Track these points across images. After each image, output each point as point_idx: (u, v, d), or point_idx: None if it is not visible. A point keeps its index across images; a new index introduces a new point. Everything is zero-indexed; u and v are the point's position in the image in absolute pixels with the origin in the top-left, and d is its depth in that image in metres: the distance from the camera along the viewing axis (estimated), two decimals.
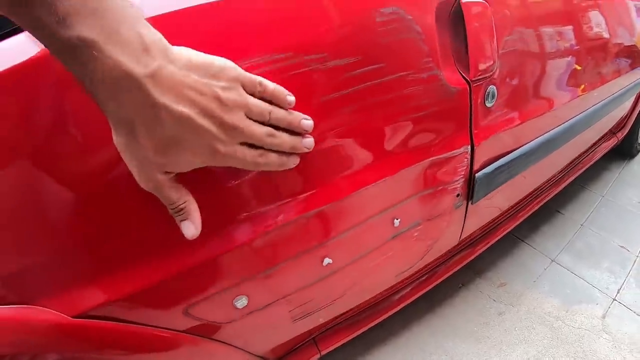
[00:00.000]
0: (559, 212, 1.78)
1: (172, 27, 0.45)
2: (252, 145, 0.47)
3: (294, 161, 0.54)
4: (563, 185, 1.53)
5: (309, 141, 0.54)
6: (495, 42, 0.77)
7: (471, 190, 0.87)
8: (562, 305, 1.35)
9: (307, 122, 0.52)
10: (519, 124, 0.89)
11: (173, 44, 0.40)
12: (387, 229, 0.75)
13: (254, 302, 0.65)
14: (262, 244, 0.59)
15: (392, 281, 0.95)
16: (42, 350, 0.50)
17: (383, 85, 0.62)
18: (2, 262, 0.46)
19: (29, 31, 0.32)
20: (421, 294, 1.09)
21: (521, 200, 1.32)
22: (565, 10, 1.04)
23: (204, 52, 0.43)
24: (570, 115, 1.13)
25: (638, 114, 1.88)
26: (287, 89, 0.49)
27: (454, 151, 0.76)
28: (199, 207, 0.49)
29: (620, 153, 2.11)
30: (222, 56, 0.44)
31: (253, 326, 0.70)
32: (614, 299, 1.37)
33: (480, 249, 1.22)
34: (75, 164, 0.45)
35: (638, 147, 2.12)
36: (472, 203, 0.89)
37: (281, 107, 0.50)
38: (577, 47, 1.08)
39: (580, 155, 1.58)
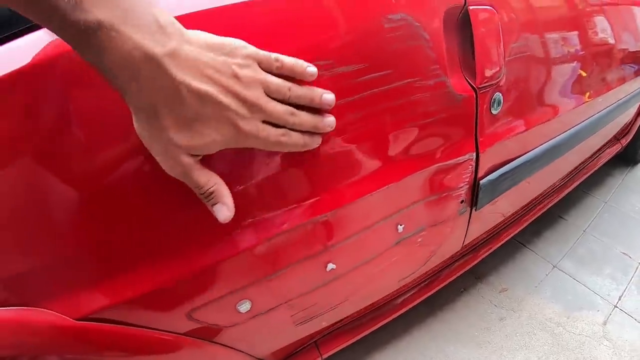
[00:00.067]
0: (561, 217, 1.78)
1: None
2: (274, 125, 0.47)
3: (317, 141, 0.54)
4: (567, 191, 1.53)
5: (331, 120, 0.53)
6: (502, 49, 0.77)
7: (475, 197, 0.87)
8: (564, 311, 1.35)
9: (329, 96, 0.51)
10: (524, 131, 0.89)
11: None
12: (391, 235, 0.75)
13: (257, 307, 0.65)
14: (266, 250, 0.59)
15: (394, 286, 0.95)
16: (44, 353, 0.51)
17: (389, 92, 0.62)
18: (5, 264, 0.46)
19: (43, 22, 0.33)
20: (423, 298, 1.09)
21: (525, 206, 1.32)
22: (571, 16, 1.03)
23: None
24: (575, 122, 1.13)
25: None
26: None
27: (459, 158, 0.76)
28: (205, 213, 0.49)
29: (624, 159, 2.10)
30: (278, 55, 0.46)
31: (255, 330, 0.71)
32: (615, 306, 1.37)
33: (483, 254, 1.22)
34: (80, 167, 0.45)
35: None
36: (475, 210, 0.89)
37: (302, 83, 0.49)
38: (583, 54, 1.07)
39: (584, 162, 1.58)
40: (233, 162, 0.52)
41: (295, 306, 0.71)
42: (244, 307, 0.63)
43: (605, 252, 1.60)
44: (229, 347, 0.70)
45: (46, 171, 0.44)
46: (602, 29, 1.18)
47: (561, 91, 1.01)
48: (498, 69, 0.77)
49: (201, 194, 0.47)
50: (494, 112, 0.79)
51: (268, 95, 0.45)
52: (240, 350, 0.73)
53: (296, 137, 0.50)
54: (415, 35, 0.63)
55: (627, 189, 1.98)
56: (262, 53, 0.45)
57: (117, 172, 0.47)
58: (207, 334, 0.65)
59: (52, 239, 0.47)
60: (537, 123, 0.93)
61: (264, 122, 0.46)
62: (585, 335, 1.27)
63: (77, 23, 0.32)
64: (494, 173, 0.87)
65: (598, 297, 1.41)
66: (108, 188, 0.47)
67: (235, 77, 0.42)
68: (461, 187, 0.82)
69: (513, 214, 1.27)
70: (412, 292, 1.07)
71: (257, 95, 0.44)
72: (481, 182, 0.85)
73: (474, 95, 0.73)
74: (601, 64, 1.19)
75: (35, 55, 0.42)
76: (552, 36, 0.94)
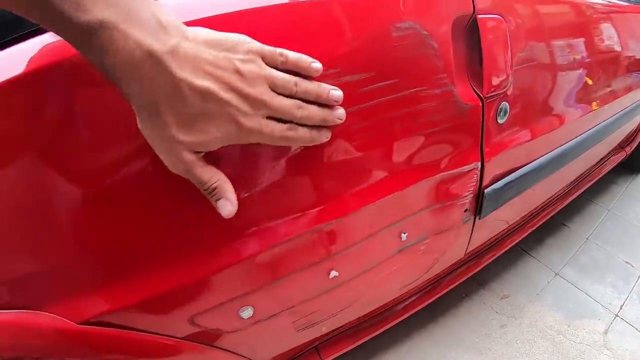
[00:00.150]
0: (564, 225, 1.77)
1: None
2: (280, 120, 0.47)
3: (326, 135, 0.53)
4: (570, 199, 1.52)
5: (341, 112, 0.52)
6: (509, 58, 0.77)
7: (479, 206, 0.86)
8: (565, 320, 1.35)
9: (337, 92, 0.51)
10: (530, 140, 0.89)
11: None
12: (394, 243, 0.75)
13: (259, 313, 0.65)
14: (269, 257, 0.59)
15: (397, 293, 0.95)
16: (45, 355, 0.50)
17: (395, 101, 0.62)
18: (8, 267, 0.46)
19: (45, 23, 0.33)
20: (425, 304, 1.09)
21: (528, 214, 1.31)
22: (578, 25, 1.03)
23: None
24: (581, 131, 1.13)
25: None
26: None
27: (464, 167, 0.76)
28: (210, 219, 0.49)
29: (629, 167, 2.10)
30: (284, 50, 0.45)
31: (257, 335, 0.71)
32: (617, 315, 1.37)
33: (486, 261, 1.22)
34: (84, 172, 0.45)
35: None
36: (479, 218, 0.89)
37: (307, 78, 0.49)
38: (589, 63, 1.07)
39: (588, 169, 1.57)
40: (238, 170, 0.52)
41: (297, 313, 0.71)
42: (246, 313, 0.63)
43: (607, 261, 1.60)
44: (229, 351, 0.70)
45: (51, 176, 0.44)
46: (609, 37, 1.18)
47: (567, 100, 1.01)
48: (505, 78, 0.76)
49: (204, 189, 0.47)
50: (500, 121, 0.79)
51: (274, 91, 0.45)
52: (241, 355, 0.73)
53: (303, 132, 0.49)
54: (423, 44, 0.63)
55: (630, 197, 1.98)
56: (266, 48, 0.45)
57: (121, 178, 0.47)
58: (209, 339, 0.65)
59: (56, 243, 0.47)
60: (543, 132, 0.93)
61: (269, 117, 0.45)
62: (586, 343, 1.27)
63: (79, 24, 0.32)
64: (498, 182, 0.87)
65: (599, 306, 1.40)
66: (112, 193, 0.47)
67: (238, 72, 0.42)
68: (465, 196, 0.81)
69: (516, 222, 1.27)
70: (413, 298, 1.07)
71: (261, 91, 0.43)
72: (485, 191, 0.85)
73: (481, 105, 0.73)
74: (607, 72, 1.19)
75: (40, 57, 0.42)
76: (559, 45, 0.94)
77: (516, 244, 1.33)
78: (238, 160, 0.51)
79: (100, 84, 0.42)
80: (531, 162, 0.95)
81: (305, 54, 0.51)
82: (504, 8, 0.76)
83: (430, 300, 1.10)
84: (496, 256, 1.25)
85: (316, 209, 0.60)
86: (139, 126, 0.41)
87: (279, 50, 0.46)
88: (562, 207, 1.49)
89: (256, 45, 0.44)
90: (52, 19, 0.32)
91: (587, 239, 1.71)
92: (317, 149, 0.56)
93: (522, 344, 1.27)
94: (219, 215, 0.52)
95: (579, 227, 1.77)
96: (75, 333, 0.50)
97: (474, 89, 0.72)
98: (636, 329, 1.32)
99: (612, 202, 1.94)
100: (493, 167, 0.83)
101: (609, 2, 1.21)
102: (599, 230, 1.76)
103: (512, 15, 0.78)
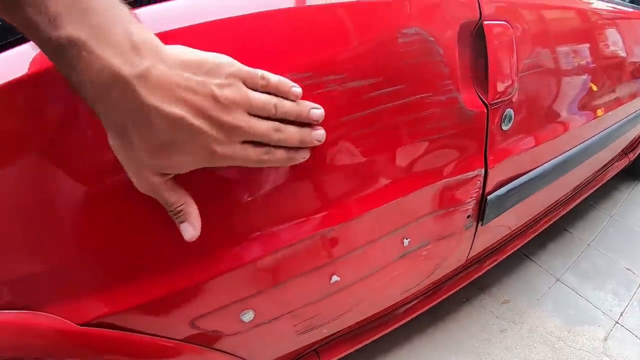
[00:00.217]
0: (566, 230, 1.77)
1: (190, 42, 0.44)
2: (257, 143, 0.45)
3: (303, 155, 0.51)
4: (573, 205, 1.52)
5: (320, 133, 0.51)
6: (515, 64, 0.77)
7: (482, 212, 0.86)
8: (565, 326, 1.35)
9: (317, 111, 0.49)
10: (534, 147, 0.89)
11: None
12: (396, 248, 0.75)
13: (260, 316, 0.65)
14: (271, 262, 0.59)
15: (398, 298, 0.95)
16: (45, 356, 0.51)
17: (400, 107, 0.62)
18: (10, 267, 0.46)
19: (24, 34, 0.32)
20: (426, 309, 1.09)
21: (531, 219, 1.31)
22: (584, 33, 1.03)
23: None
24: (585, 137, 1.13)
25: None
26: None
27: (468, 174, 0.76)
28: (213, 223, 0.49)
29: (632, 173, 2.09)
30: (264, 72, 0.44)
31: (257, 338, 0.70)
32: (617, 322, 1.37)
33: (488, 266, 1.22)
34: (86, 174, 0.45)
35: None
36: (482, 225, 0.89)
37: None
38: (594, 70, 1.07)
39: (592, 175, 1.57)
40: (241, 174, 0.52)
41: (297, 317, 0.71)
42: (247, 316, 0.63)
43: (609, 267, 1.59)
44: (229, 353, 0.70)
45: (54, 177, 0.44)
46: (614, 43, 1.17)
47: (572, 107, 1.01)
48: (511, 84, 0.76)
49: (170, 211, 0.46)
50: (504, 128, 0.79)
51: (251, 114, 0.43)
52: (240, 357, 0.73)
53: (279, 154, 0.48)
54: (429, 50, 0.63)
55: (633, 203, 1.98)
56: (248, 70, 0.43)
57: (123, 179, 0.46)
58: (208, 341, 0.65)
59: (58, 245, 0.47)
60: (548, 139, 0.93)
61: (245, 141, 0.44)
62: (586, 350, 1.27)
63: (50, 39, 0.31)
64: (501, 188, 0.87)
65: (600, 312, 1.40)
66: (114, 195, 0.47)
67: (214, 98, 0.40)
68: (468, 202, 0.81)
69: (519, 227, 1.27)
70: (414, 302, 1.07)
71: (237, 118, 0.41)
72: (489, 197, 0.84)
73: (485, 111, 0.73)
74: (612, 78, 1.19)
75: (42, 58, 0.42)
76: (564, 52, 0.94)
77: (518, 249, 1.33)
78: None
79: None
80: (535, 168, 0.95)
81: (312, 59, 0.52)
82: (511, 14, 0.76)
83: (431, 305, 1.10)
84: (498, 261, 1.25)
85: (319, 215, 0.60)
86: (110, 142, 0.40)
87: (260, 72, 0.44)
88: (564, 212, 1.49)
89: (237, 67, 0.42)
90: (28, 31, 0.31)
91: (588, 245, 1.70)
92: (321, 155, 0.56)
93: (522, 349, 1.27)
94: (222, 219, 0.52)
95: (581, 232, 1.77)
96: (76, 334, 0.50)
97: (479, 96, 0.72)
98: (636, 336, 1.32)
99: (615, 208, 1.93)
100: (496, 174, 0.83)
101: (614, 7, 1.21)
102: (601, 236, 1.75)
103: (519, 22, 0.78)
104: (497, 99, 0.74)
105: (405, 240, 0.74)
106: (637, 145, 1.83)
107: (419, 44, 0.61)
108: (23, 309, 0.48)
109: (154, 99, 0.36)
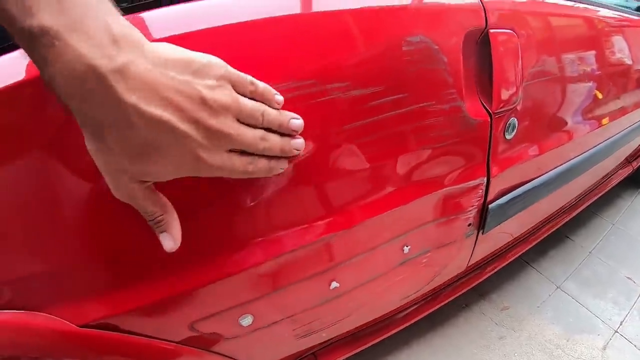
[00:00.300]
0: (568, 237, 1.77)
1: (194, 46, 0.44)
2: (241, 152, 0.42)
3: (282, 165, 0.48)
4: (576, 212, 1.52)
5: (299, 142, 0.48)
6: (520, 73, 0.76)
7: (483, 221, 0.86)
8: (564, 334, 1.35)
9: (297, 121, 0.47)
10: (537, 156, 0.89)
11: None
12: (396, 255, 0.75)
13: (258, 321, 0.65)
14: (272, 268, 0.59)
15: (397, 303, 0.95)
16: (44, 355, 0.51)
17: (404, 115, 0.62)
18: (12, 268, 0.46)
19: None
20: (425, 314, 1.09)
21: (533, 227, 1.31)
22: (590, 41, 1.03)
23: None
24: (589, 146, 1.13)
25: None
26: (307, 116, 0.48)
27: (470, 182, 0.76)
28: (215, 228, 0.49)
29: (635, 181, 2.08)
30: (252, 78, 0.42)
31: (255, 342, 0.71)
32: (616, 331, 1.37)
33: (488, 274, 1.22)
34: (89, 175, 0.45)
35: None
36: (483, 233, 0.89)
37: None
38: (600, 79, 1.07)
39: (595, 183, 1.56)
40: (243, 180, 0.51)
41: (296, 321, 0.71)
42: (246, 321, 0.64)
43: (610, 276, 1.59)
44: (227, 356, 0.70)
45: (56, 179, 0.44)
46: (619, 51, 1.17)
47: (577, 116, 1.00)
48: (515, 93, 0.76)
49: (149, 220, 0.43)
50: (508, 136, 0.79)
51: (238, 121, 0.40)
52: None
53: (262, 164, 0.45)
54: (433, 59, 0.63)
55: (636, 211, 1.97)
56: (238, 74, 0.40)
57: None
58: (207, 344, 0.65)
59: (60, 246, 0.47)
60: (551, 148, 0.93)
61: (230, 150, 0.41)
62: (584, 359, 1.27)
63: (22, 28, 0.28)
64: (503, 197, 0.87)
65: (599, 321, 1.40)
66: (116, 198, 0.47)
67: (202, 100, 0.37)
68: (469, 211, 0.81)
69: (520, 235, 1.27)
70: (414, 308, 1.07)
71: (226, 123, 0.39)
72: (490, 206, 0.84)
73: (489, 120, 0.73)
74: (617, 87, 1.18)
75: None
76: (569, 61, 0.94)
77: (519, 256, 1.33)
78: None
79: None
80: (538, 177, 0.95)
81: (315, 66, 0.51)
82: (517, 22, 0.76)
83: (430, 310, 1.10)
84: (498, 268, 1.25)
85: (321, 222, 0.60)
86: (86, 144, 0.36)
87: (249, 78, 0.42)
88: (567, 220, 1.49)
89: (227, 69, 0.40)
90: (1, 19, 0.29)
91: (590, 252, 1.70)
92: (324, 162, 0.56)
93: (520, 356, 1.27)
94: (223, 224, 0.52)
95: (582, 240, 1.76)
96: (75, 335, 0.50)
97: (483, 104, 0.72)
98: (635, 345, 1.32)
99: (617, 216, 1.93)
100: (499, 183, 0.83)
101: (620, 15, 1.20)
102: (602, 244, 1.75)
103: (524, 30, 0.78)
104: (501, 107, 0.74)
105: (405, 247, 0.74)
106: None
107: (424, 52, 0.61)
108: (23, 309, 0.48)
109: (133, 97, 0.33)
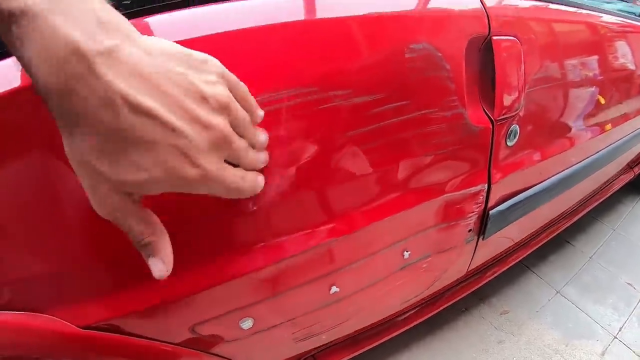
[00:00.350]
0: (568, 242, 1.76)
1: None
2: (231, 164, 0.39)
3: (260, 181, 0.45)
4: (577, 218, 1.52)
5: (264, 156, 0.45)
6: (523, 80, 0.76)
7: (483, 227, 0.86)
8: (563, 339, 1.35)
9: (264, 136, 0.44)
10: (538, 162, 0.89)
11: None
12: (396, 261, 0.75)
13: (259, 324, 0.66)
14: (272, 272, 0.59)
15: (397, 307, 0.96)
16: (44, 356, 0.51)
17: (405, 122, 0.62)
18: (14, 269, 0.46)
19: None
20: (425, 318, 1.09)
21: (533, 232, 1.31)
22: (592, 48, 1.03)
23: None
24: (591, 152, 1.13)
25: None
26: (309, 123, 0.49)
27: (471, 189, 0.76)
28: (217, 233, 0.49)
29: (636, 187, 2.08)
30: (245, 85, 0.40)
31: (255, 344, 0.71)
32: (615, 337, 1.37)
33: (488, 278, 1.22)
34: None
35: None
36: (483, 239, 0.89)
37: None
38: (602, 85, 1.07)
39: (596, 189, 1.56)
40: None
41: (296, 325, 0.71)
42: (247, 324, 0.64)
43: (610, 281, 1.59)
44: (227, 359, 0.71)
45: (58, 181, 0.44)
46: (622, 58, 1.17)
47: (579, 122, 1.00)
48: (517, 100, 0.76)
49: (135, 242, 0.37)
50: (509, 143, 0.79)
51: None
52: None
53: (250, 178, 0.41)
54: (436, 66, 0.63)
55: (636, 217, 1.97)
56: (235, 77, 0.38)
57: None
58: (207, 346, 0.65)
59: (61, 248, 0.47)
60: (553, 154, 0.93)
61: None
62: None
63: (2, 11, 0.25)
64: (504, 203, 0.87)
65: (598, 327, 1.40)
66: None
67: (201, 96, 0.33)
68: (470, 217, 0.81)
69: (521, 240, 1.27)
70: (414, 311, 1.08)
71: (225, 125, 0.35)
72: (491, 212, 0.84)
73: (491, 127, 0.73)
74: (620, 93, 1.18)
75: None
76: (572, 67, 0.93)
77: (519, 260, 1.33)
78: None
79: None
80: (539, 183, 0.95)
81: (317, 73, 0.52)
82: (520, 29, 0.76)
83: (430, 314, 1.10)
84: (498, 273, 1.25)
85: (323, 227, 0.60)
86: (65, 148, 0.32)
87: (241, 83, 0.39)
88: (567, 225, 1.49)
89: (224, 69, 0.36)
90: None
91: (590, 258, 1.70)
92: (326, 167, 0.56)
93: None
94: (225, 228, 0.53)
95: (583, 245, 1.76)
96: (76, 336, 0.51)
97: (485, 111, 0.72)
98: (634, 352, 1.32)
99: (618, 221, 1.93)
100: (499, 189, 0.83)
101: (622, 21, 1.20)
102: (603, 250, 1.75)
103: (527, 37, 0.78)
104: (503, 114, 0.74)
105: (405, 252, 0.75)
106: None
107: (427, 60, 0.61)
108: (24, 310, 0.48)
109: (122, 85, 0.28)
